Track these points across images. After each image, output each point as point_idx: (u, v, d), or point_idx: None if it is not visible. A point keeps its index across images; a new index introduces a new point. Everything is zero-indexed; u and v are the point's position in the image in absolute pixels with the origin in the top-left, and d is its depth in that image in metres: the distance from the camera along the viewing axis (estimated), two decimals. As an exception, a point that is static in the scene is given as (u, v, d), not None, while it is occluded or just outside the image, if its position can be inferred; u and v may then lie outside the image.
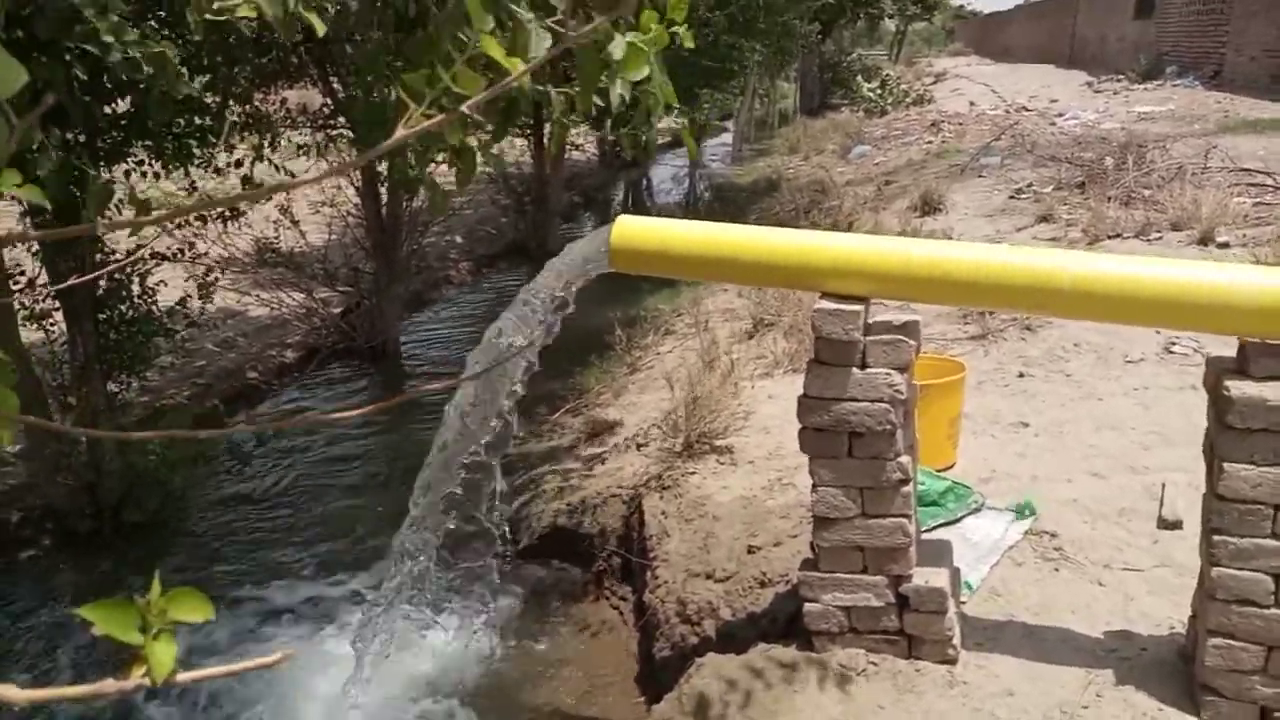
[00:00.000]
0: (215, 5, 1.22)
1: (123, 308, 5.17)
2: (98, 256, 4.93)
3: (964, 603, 2.96)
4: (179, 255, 5.79)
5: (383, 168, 6.86)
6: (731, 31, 11.14)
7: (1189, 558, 2.90)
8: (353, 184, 7.96)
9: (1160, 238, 6.65)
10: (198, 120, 5.03)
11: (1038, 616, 2.91)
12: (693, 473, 4.27)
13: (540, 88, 1.41)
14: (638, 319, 7.04)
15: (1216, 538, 2.33)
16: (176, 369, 6.77)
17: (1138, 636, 2.76)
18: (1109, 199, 7.57)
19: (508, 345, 2.84)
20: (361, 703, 3.55)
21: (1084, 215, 7.24)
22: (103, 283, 4.96)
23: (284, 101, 7.22)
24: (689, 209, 13.40)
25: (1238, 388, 2.24)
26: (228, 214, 6.13)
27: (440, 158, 1.38)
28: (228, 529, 5.33)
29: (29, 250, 5.30)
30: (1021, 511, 3.45)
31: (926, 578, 2.67)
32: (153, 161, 5.07)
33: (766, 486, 4.00)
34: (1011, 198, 8.75)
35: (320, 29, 1.26)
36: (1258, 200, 7.41)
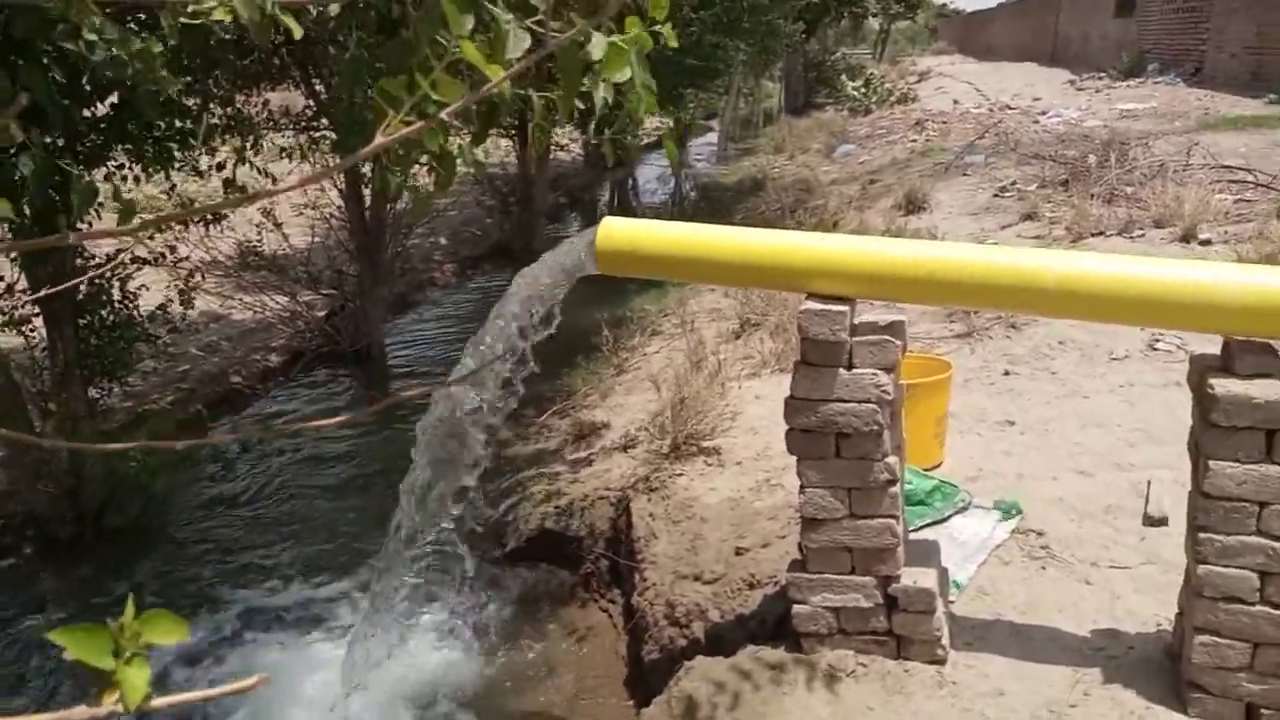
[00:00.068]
0: (190, 8, 1.20)
1: (104, 312, 5.12)
2: (78, 261, 4.88)
3: (952, 602, 2.96)
4: (161, 259, 5.74)
5: (366, 169, 6.82)
6: (716, 31, 11.13)
7: (1175, 555, 2.91)
8: (336, 186, 7.91)
9: (1143, 235, 6.69)
10: (178, 123, 4.99)
11: (1025, 615, 2.92)
12: (680, 474, 4.25)
13: (521, 91, 1.39)
14: (624, 320, 7.02)
15: (1202, 535, 2.34)
16: (159, 374, 6.71)
17: (1125, 634, 2.76)
18: (1092, 197, 7.61)
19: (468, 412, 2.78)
20: (351, 710, 3.53)
21: (1067, 213, 7.28)
22: (83, 287, 4.91)
23: (266, 103, 7.17)
24: (675, 209, 13.39)
25: (1222, 385, 2.24)
26: (210, 217, 6.08)
27: (422, 159, 1.36)
28: (211, 532, 5.29)
29: (8, 256, 5.23)
30: (1008, 511, 3.46)
31: (915, 578, 2.66)
32: (133, 165, 5.02)
33: (754, 488, 3.99)
34: (995, 196, 8.78)
35: (298, 32, 1.24)
36: (1238, 197, 7.46)
